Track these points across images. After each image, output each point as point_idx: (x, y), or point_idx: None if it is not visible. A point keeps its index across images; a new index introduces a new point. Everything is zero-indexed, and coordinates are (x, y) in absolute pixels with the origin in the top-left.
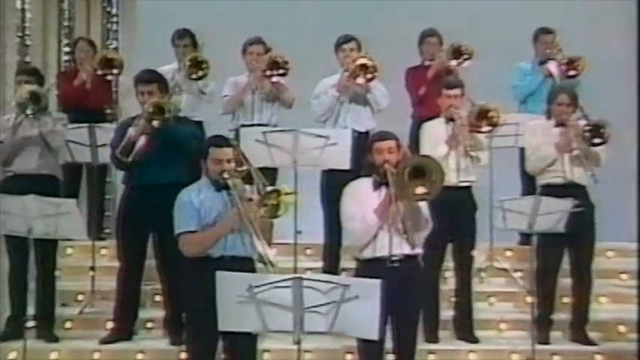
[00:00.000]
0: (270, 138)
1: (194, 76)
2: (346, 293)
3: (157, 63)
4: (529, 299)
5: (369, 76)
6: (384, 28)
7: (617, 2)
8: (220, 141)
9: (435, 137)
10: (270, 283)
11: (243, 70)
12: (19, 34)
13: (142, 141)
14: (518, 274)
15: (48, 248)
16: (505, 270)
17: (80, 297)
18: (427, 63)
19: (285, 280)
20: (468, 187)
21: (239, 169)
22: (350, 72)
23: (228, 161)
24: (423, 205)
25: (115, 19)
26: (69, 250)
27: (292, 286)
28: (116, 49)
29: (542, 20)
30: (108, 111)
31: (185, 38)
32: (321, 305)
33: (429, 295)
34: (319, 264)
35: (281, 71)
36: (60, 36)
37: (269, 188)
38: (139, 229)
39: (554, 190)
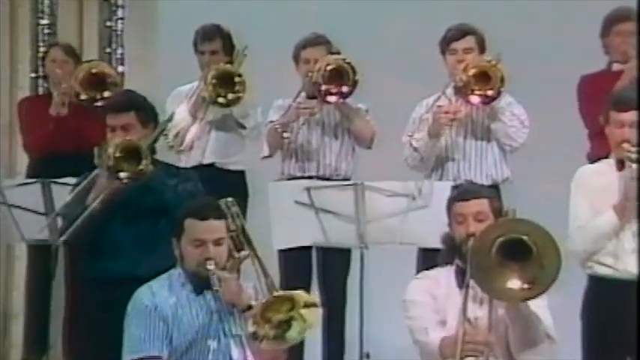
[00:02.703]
0: (319, 197)
1: (221, 101)
2: None
3: (185, 78)
4: None
5: (490, 92)
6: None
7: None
8: (205, 209)
9: (594, 194)
10: None
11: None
12: None
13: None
14: None
15: None
16: None
17: None
18: (616, 67)
19: None
20: None
21: (236, 255)
22: (461, 86)
23: (217, 243)
24: (539, 308)
25: (120, 15)
26: None
27: None
28: (121, 60)
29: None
30: None
31: (214, 41)
32: None
33: None
34: None
35: (345, 88)
36: (36, 41)
37: (278, 294)
38: (104, 348)
39: None
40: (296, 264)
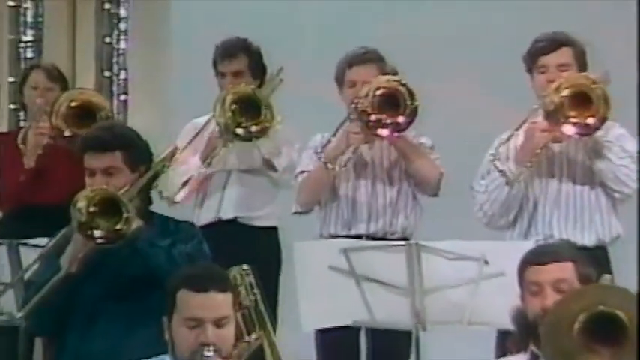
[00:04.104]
0: (361, 261)
1: (240, 132)
2: None
3: (203, 108)
4: None
5: (590, 120)
6: None
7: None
8: (204, 277)
9: None
10: None
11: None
12: None
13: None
14: None
15: None
16: None
17: None
18: None
19: None
20: None
21: (246, 338)
22: (552, 110)
23: (219, 323)
24: None
25: (123, 28)
26: None
27: None
28: (124, 86)
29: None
30: None
31: (237, 59)
32: None
33: None
34: None
35: (401, 118)
36: (18, 62)
37: None
38: None
39: None
40: (338, 349)
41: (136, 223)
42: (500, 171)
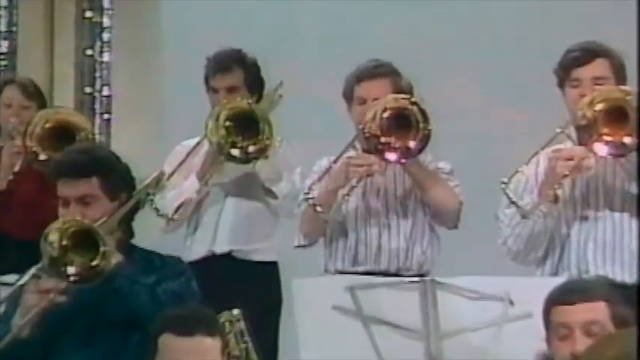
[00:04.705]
0: (369, 301)
1: (236, 153)
2: None
3: (197, 129)
4: None
5: (627, 139)
6: None
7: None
8: (190, 321)
9: None
10: None
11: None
12: None
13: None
14: None
15: None
16: None
17: None
18: None
19: None
20: None
21: None
22: (584, 125)
23: None
24: None
25: (106, 38)
26: None
27: None
28: (107, 103)
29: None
30: None
31: (231, 72)
32: None
33: None
34: None
35: (411, 143)
36: None
37: None
38: None
39: None
40: None
41: (116, 259)
42: (513, 202)
